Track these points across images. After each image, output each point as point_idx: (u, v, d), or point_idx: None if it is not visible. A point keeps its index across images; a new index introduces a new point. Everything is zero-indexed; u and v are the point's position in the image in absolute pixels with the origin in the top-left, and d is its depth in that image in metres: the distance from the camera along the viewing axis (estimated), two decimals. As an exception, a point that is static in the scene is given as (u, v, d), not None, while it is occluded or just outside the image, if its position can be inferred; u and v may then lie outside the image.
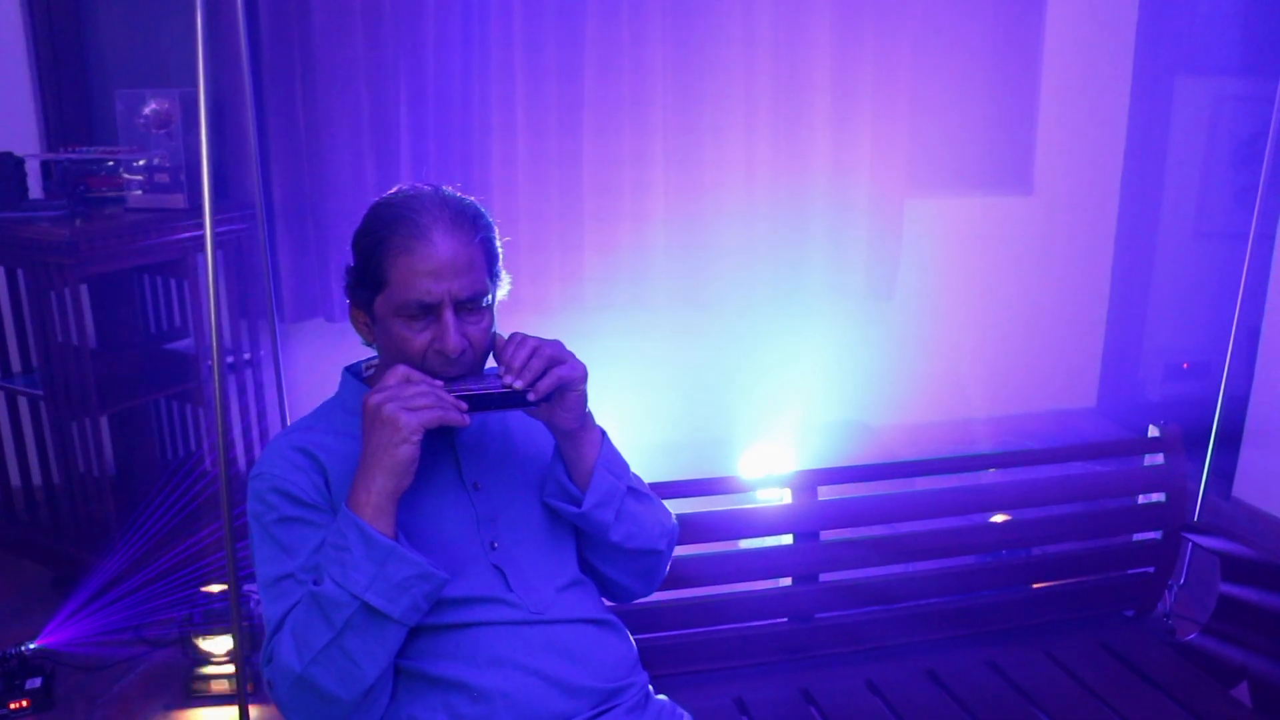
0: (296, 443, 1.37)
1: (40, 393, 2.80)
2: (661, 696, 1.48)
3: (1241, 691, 1.89)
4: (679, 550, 1.67)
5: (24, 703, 2.44)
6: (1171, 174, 4.22)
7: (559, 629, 1.37)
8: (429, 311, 1.31)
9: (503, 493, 1.42)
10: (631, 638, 1.49)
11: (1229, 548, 1.90)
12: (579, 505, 1.38)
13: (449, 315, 1.31)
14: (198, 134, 2.48)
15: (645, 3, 3.40)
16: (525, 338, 1.33)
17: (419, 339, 1.32)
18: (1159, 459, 2.01)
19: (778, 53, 3.54)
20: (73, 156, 2.89)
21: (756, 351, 3.81)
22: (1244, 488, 3.45)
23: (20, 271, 2.85)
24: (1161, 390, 4.37)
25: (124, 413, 3.12)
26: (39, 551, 2.99)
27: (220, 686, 2.52)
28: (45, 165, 3.00)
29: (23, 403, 2.99)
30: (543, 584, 1.39)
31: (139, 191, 2.90)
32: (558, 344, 1.34)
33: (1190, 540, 2.05)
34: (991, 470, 2.19)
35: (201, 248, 2.94)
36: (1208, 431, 3.16)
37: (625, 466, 1.45)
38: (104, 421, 2.89)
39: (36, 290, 2.72)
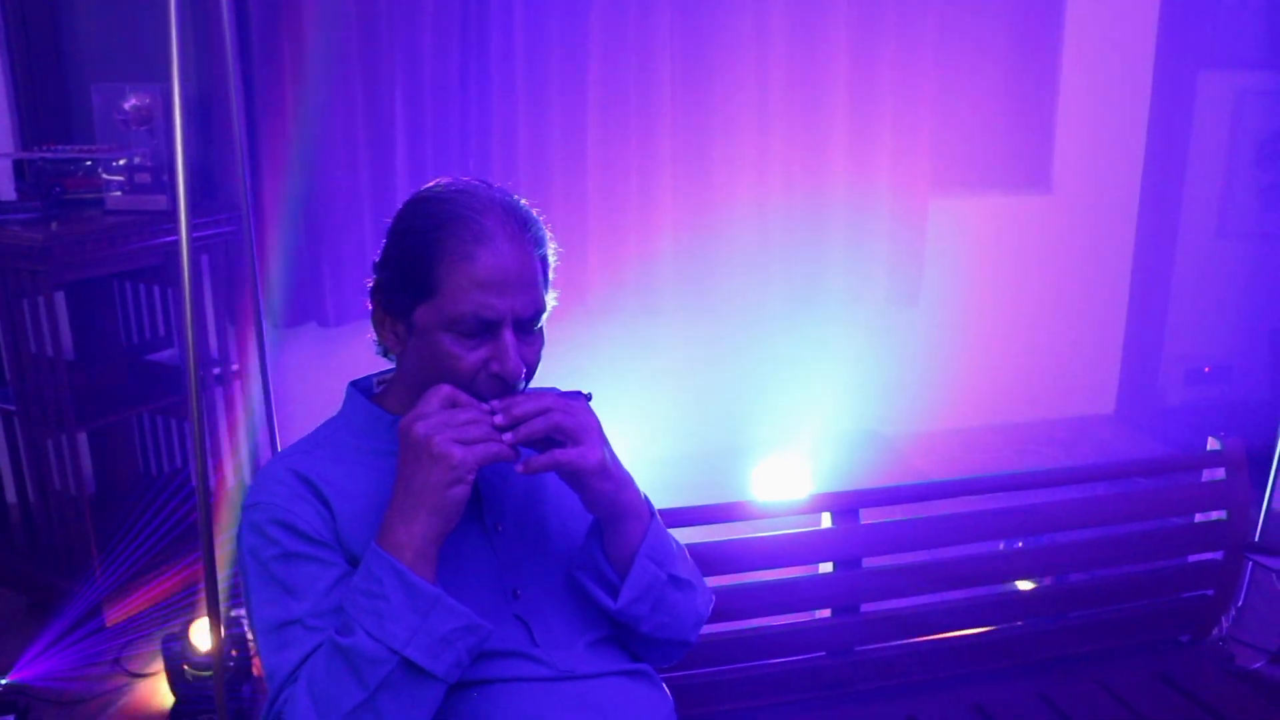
0: (296, 468, 1.20)
1: (13, 407, 2.63)
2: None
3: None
4: (711, 581, 1.51)
5: (-4, 742, 2.29)
6: (1193, 172, 4.09)
7: (589, 684, 1.21)
8: (487, 329, 1.16)
9: (528, 537, 1.26)
10: (665, 686, 1.34)
11: None
12: (614, 598, 1.22)
13: (509, 335, 1.16)
14: (182, 132, 2.32)
15: (653, 18, 3.27)
16: (546, 396, 1.17)
17: (471, 358, 1.16)
18: (1219, 474, 1.87)
19: (793, 52, 3.40)
20: (47, 155, 2.71)
21: (770, 360, 3.67)
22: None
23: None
24: (1182, 395, 4.24)
25: (103, 428, 2.94)
26: (13, 577, 2.82)
27: (207, 722, 2.37)
28: (18, 165, 2.83)
29: (-4, 418, 2.82)
30: (571, 639, 1.23)
31: (118, 193, 2.73)
32: (583, 420, 1.17)
33: (1252, 560, 1.91)
34: (1037, 489, 2.05)
35: (194, 250, 2.78)
36: (1243, 437, 3.05)
37: (672, 552, 1.28)
38: (82, 437, 2.72)
39: (8, 298, 2.54)
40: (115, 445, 3.02)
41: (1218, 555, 1.88)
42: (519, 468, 1.14)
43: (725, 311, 3.57)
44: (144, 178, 2.71)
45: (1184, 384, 4.24)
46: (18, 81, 3.05)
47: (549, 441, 1.15)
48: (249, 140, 3.03)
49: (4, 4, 2.99)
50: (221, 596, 2.08)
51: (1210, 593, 1.90)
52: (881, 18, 3.43)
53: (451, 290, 1.14)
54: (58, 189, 2.71)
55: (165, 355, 3.03)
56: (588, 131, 3.32)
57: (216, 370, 2.90)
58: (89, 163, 2.74)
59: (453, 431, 1.09)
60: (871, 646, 1.76)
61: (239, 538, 1.20)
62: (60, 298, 2.61)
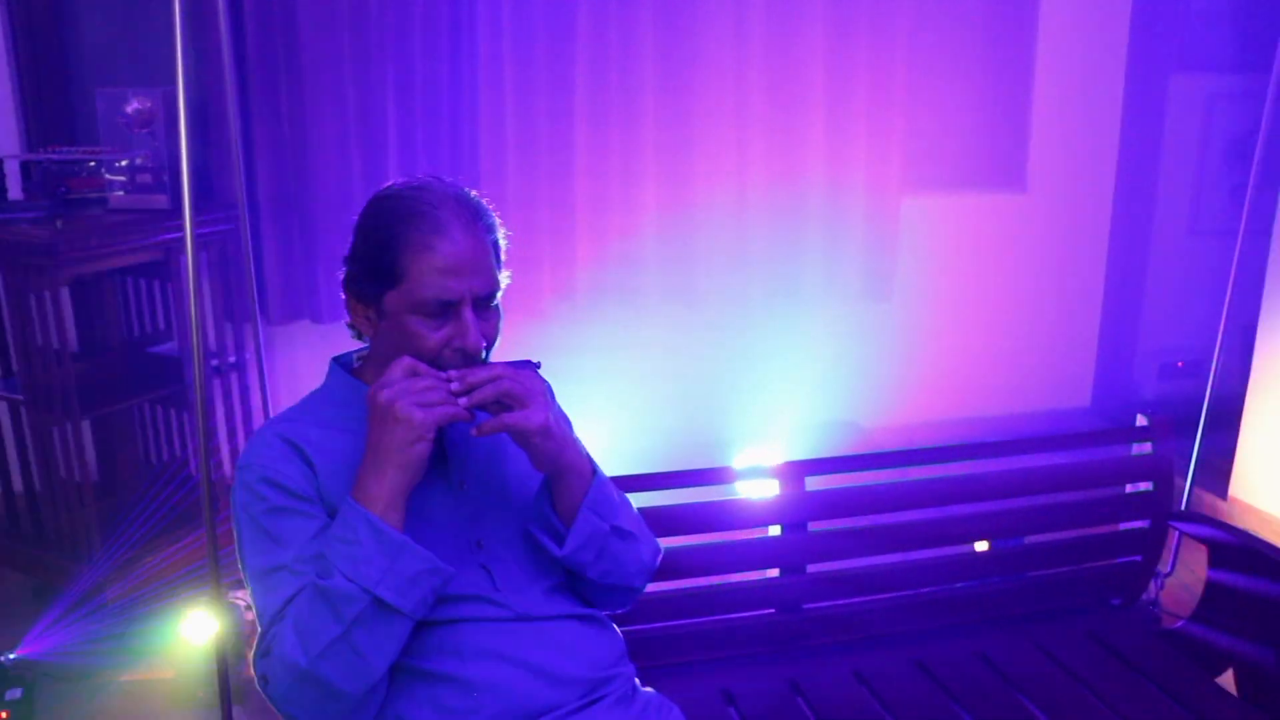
0: (283, 433, 1.33)
1: (20, 397, 2.76)
2: (648, 689, 1.45)
3: (1227, 679, 1.88)
4: (668, 541, 1.64)
5: (3, 715, 2.40)
6: (1165, 171, 4.21)
7: (544, 625, 1.34)
8: (447, 309, 1.29)
9: (490, 493, 1.39)
10: (619, 630, 1.46)
11: (1216, 535, 1.89)
12: (560, 544, 1.35)
13: (469, 313, 1.29)
14: (178, 132, 2.45)
15: (636, 19, 3.39)
16: (499, 369, 1.29)
17: (436, 336, 1.29)
18: (1146, 448, 1.99)
19: (770, 55, 3.52)
20: (53, 157, 2.84)
21: (750, 354, 3.79)
22: (1241, 487, 3.43)
23: (2, 275, 2.81)
24: (1156, 388, 4.35)
25: (106, 417, 3.07)
26: (19, 559, 2.94)
27: (204, 697, 2.48)
28: (25, 166, 2.95)
29: (2, 407, 2.95)
30: (528, 585, 1.36)
31: (121, 192, 2.85)
32: (531, 387, 1.29)
33: (1177, 529, 2.03)
34: (978, 460, 2.16)
35: (185, 250, 2.91)
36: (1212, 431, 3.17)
37: (614, 505, 1.40)
38: (86, 426, 2.84)
39: (16, 293, 2.67)
40: (117, 434, 3.15)
41: (1145, 523, 2.00)
42: (474, 430, 1.26)
43: (705, 306, 3.69)
44: (145, 178, 2.84)
45: (1158, 378, 4.35)
46: (24, 86, 3.18)
47: (500, 406, 1.27)
48: (245, 142, 3.17)
49: (10, 11, 3.13)
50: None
51: (1139, 559, 2.02)
52: (855, 22, 3.55)
53: (415, 277, 1.27)
54: (63, 189, 2.83)
55: (165, 348, 3.15)
56: (574, 133, 3.44)
57: (215, 362, 3.03)
58: (93, 164, 2.87)
59: (413, 397, 1.22)
60: (818, 605, 1.88)
61: (233, 496, 1.33)
62: (65, 292, 2.73)
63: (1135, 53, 4.04)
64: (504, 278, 1.35)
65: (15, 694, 2.42)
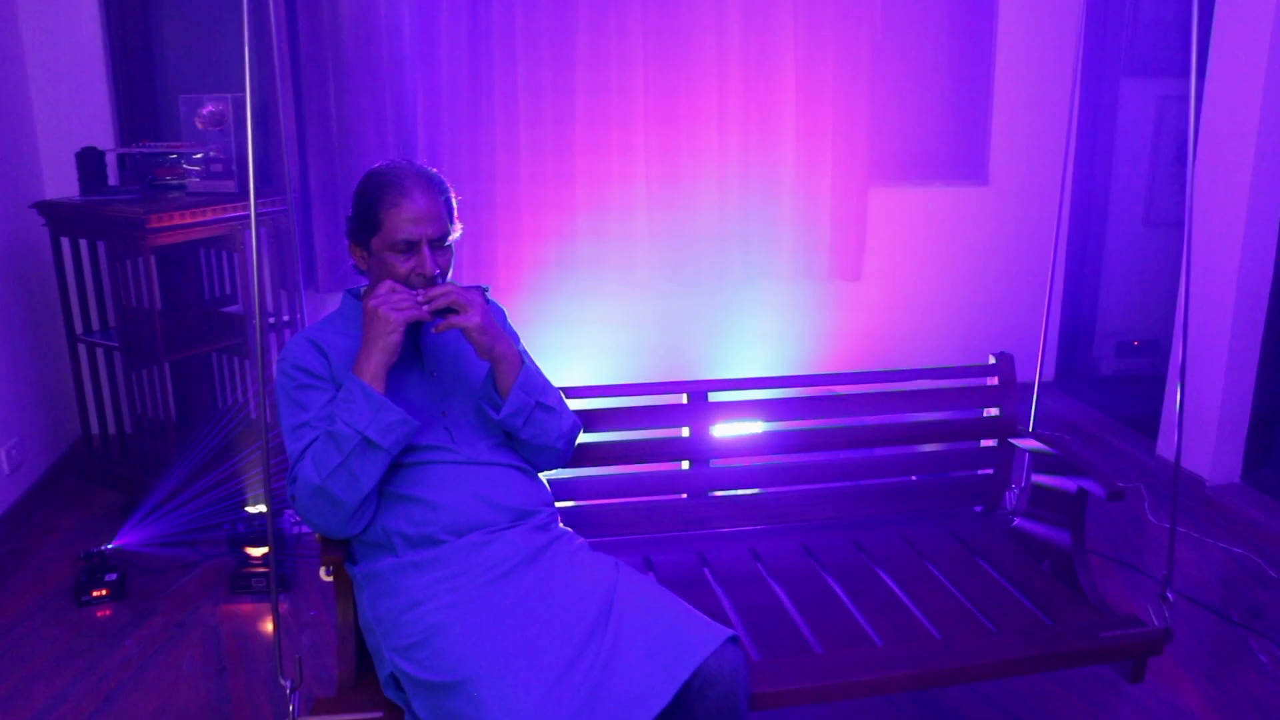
0: (310, 337, 1.90)
1: (116, 345, 3.38)
2: (567, 528, 1.99)
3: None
4: (601, 437, 2.18)
5: (104, 591, 2.99)
6: (1120, 167, 4.62)
7: (488, 468, 1.89)
8: (411, 247, 1.84)
9: (453, 379, 1.95)
10: (547, 484, 2.00)
11: (1036, 446, 2.35)
12: (498, 411, 1.89)
13: (427, 250, 1.84)
14: (245, 131, 3.05)
15: (628, 27, 3.92)
16: (450, 286, 1.83)
17: (404, 265, 1.85)
18: (995, 380, 2.47)
19: (746, 54, 4.03)
20: (143, 150, 3.47)
21: (731, 326, 4.31)
22: (1166, 447, 3.85)
23: (101, 244, 3.44)
24: (1115, 365, 4.76)
25: (184, 364, 3.69)
26: (114, 480, 3.57)
27: (258, 584, 3.06)
28: (120, 158, 3.58)
29: (101, 354, 3.57)
30: (479, 441, 1.91)
31: (196, 179, 3.46)
32: (472, 299, 1.82)
33: (1014, 445, 2.47)
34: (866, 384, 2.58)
35: (249, 225, 3.51)
36: (1158, 402, 3.61)
37: (541, 386, 1.93)
38: (167, 370, 3.46)
39: (114, 260, 3.29)
40: (192, 379, 3.77)
41: (994, 442, 2.48)
42: (433, 329, 1.82)
43: (690, 283, 4.22)
44: (217, 167, 3.45)
45: (1116, 355, 4.76)
46: (119, 92, 3.82)
47: (451, 313, 1.82)
48: (297, 137, 3.78)
49: (109, 32, 3.76)
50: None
51: (991, 471, 2.50)
52: (823, 25, 4.05)
53: (390, 226, 1.83)
54: (151, 176, 3.45)
55: (232, 308, 3.77)
56: (575, 129, 4.00)
57: (271, 320, 3.63)
58: (174, 156, 3.48)
59: (390, 304, 1.78)
60: (721, 493, 2.39)
61: (276, 379, 1.89)
62: (153, 260, 3.32)
63: (1089, 57, 4.48)
64: (456, 228, 1.91)
65: (112, 577, 3.02)
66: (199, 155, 3.47)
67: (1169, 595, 2.06)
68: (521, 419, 1.88)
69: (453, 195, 1.92)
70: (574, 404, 2.17)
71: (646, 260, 4.15)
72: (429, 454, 1.86)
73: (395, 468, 1.83)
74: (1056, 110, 4.48)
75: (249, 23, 2.36)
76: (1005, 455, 2.48)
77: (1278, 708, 2.48)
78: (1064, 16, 4.38)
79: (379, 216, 1.84)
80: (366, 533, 1.83)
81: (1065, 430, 4.36)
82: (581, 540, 1.95)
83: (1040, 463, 2.36)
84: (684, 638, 1.67)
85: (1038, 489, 2.35)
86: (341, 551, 1.86)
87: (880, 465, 2.51)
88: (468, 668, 1.59)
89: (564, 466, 2.06)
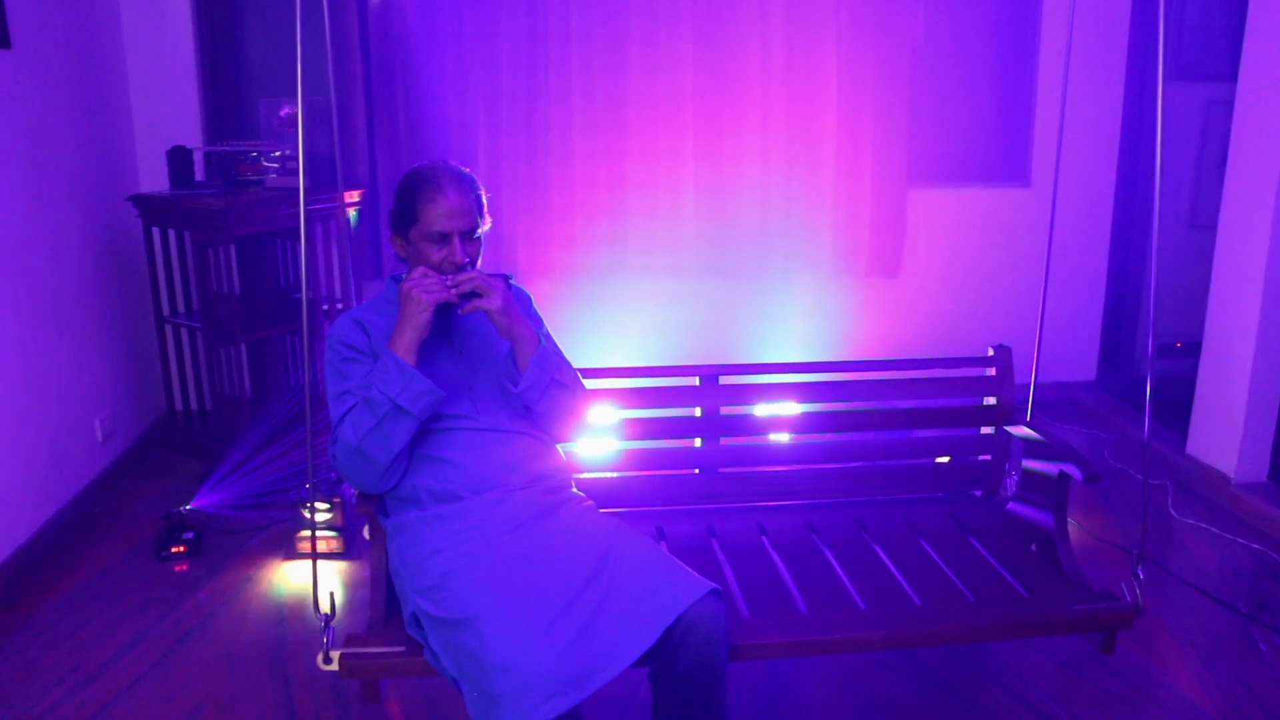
0: (355, 316, 2.16)
1: (198, 325, 3.70)
2: (579, 492, 2.21)
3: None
4: (622, 414, 2.40)
5: (181, 548, 3.31)
6: (1166, 171, 4.66)
7: (506, 435, 2.12)
8: (444, 238, 2.08)
9: (480, 357, 2.18)
10: (562, 454, 2.23)
11: (1025, 434, 2.50)
12: (516, 385, 2.11)
13: (457, 240, 2.08)
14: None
15: (677, 33, 4.13)
16: (476, 272, 2.06)
17: (437, 254, 2.09)
18: (993, 371, 2.62)
19: (791, 58, 4.20)
20: (226, 148, 3.78)
21: (770, 317, 4.49)
22: (1195, 446, 3.93)
23: (187, 234, 3.76)
24: (1156, 366, 4.78)
25: (259, 345, 4.01)
26: (194, 450, 3.91)
27: (321, 545, 3.34)
28: (206, 155, 3.91)
29: (185, 334, 3.91)
30: (500, 411, 2.14)
31: (274, 175, 3.77)
32: (494, 285, 2.04)
33: (1008, 433, 2.62)
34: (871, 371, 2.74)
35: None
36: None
37: (556, 365, 2.14)
38: (244, 351, 3.77)
39: (198, 248, 3.61)
40: (266, 361, 4.09)
41: (991, 430, 2.63)
42: (460, 310, 2.05)
43: (733, 277, 4.42)
44: (291, 165, 3.75)
45: (1158, 356, 4.81)
46: (208, 96, 4.16)
47: (476, 297, 2.05)
48: (368, 136, 4.07)
49: (200, 41, 4.10)
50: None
51: (989, 457, 2.66)
52: (864, 36, 4.20)
53: (425, 219, 2.07)
54: (233, 172, 3.77)
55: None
56: (626, 134, 4.22)
57: (340, 305, 3.92)
58: (254, 154, 3.79)
59: (421, 287, 2.02)
60: (731, 470, 2.59)
61: (325, 353, 2.15)
62: (233, 249, 3.64)
63: (1134, 61, 4.54)
64: (485, 222, 2.14)
65: (189, 535, 3.33)
66: (276, 154, 3.78)
67: (1139, 573, 2.19)
68: (536, 393, 2.10)
69: (483, 193, 2.15)
70: (603, 383, 2.41)
71: (693, 257, 4.36)
72: (455, 421, 2.09)
73: (424, 432, 2.07)
74: (1100, 114, 4.55)
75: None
76: (1002, 442, 2.63)
77: (1267, 689, 2.59)
78: (1110, 20, 4.46)
79: (416, 210, 2.08)
80: (397, 489, 2.08)
81: (1102, 428, 4.45)
82: (591, 503, 2.17)
83: (1034, 451, 2.50)
84: (670, 588, 1.87)
85: (1027, 474, 2.50)
86: (375, 504, 2.11)
87: (886, 448, 2.67)
88: (476, 607, 1.82)
89: (579, 438, 2.28)
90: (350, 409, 2.03)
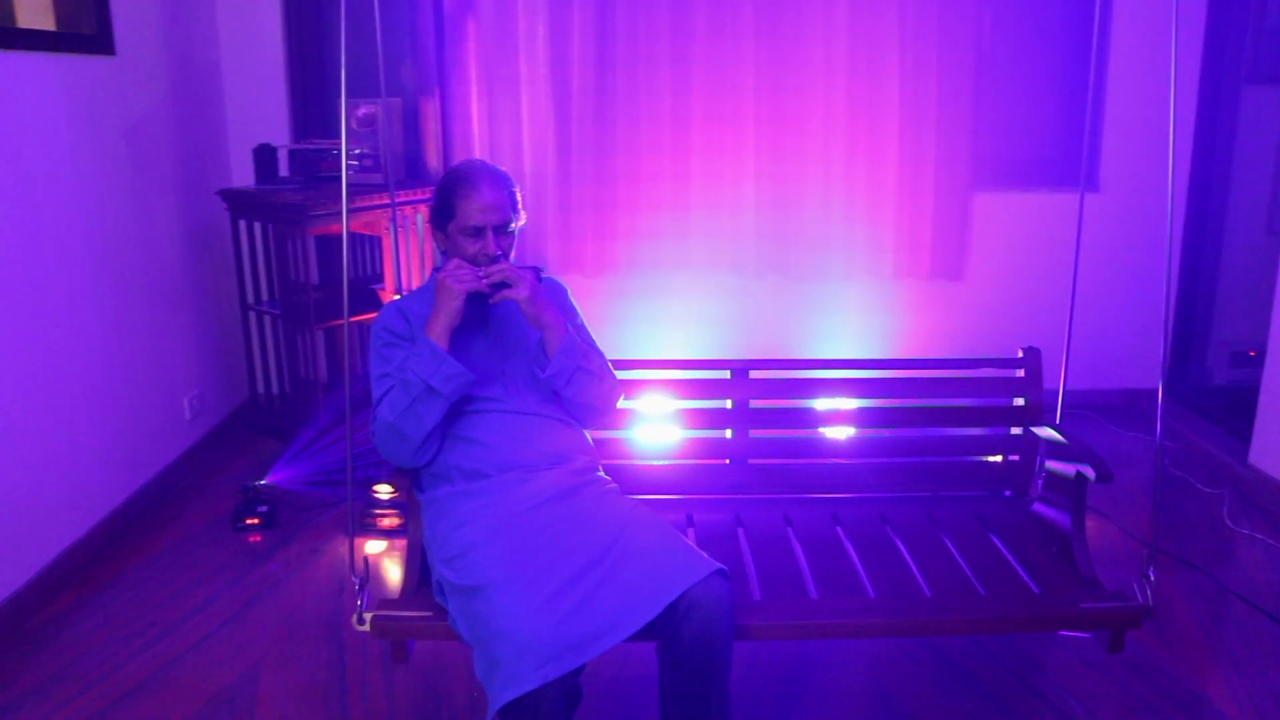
0: (399, 305, 2.33)
1: (278, 312, 3.94)
2: (604, 475, 2.33)
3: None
4: (655, 404, 2.52)
5: (256, 520, 3.54)
6: (1241, 175, 4.58)
7: (534, 418, 2.26)
8: (479, 232, 2.23)
9: (513, 344, 2.33)
10: (590, 438, 2.36)
11: (1049, 436, 2.54)
12: (544, 371, 2.25)
13: (490, 234, 2.23)
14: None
15: (741, 30, 4.23)
16: (506, 264, 2.20)
17: (473, 246, 2.24)
18: (1021, 373, 2.66)
19: (854, 57, 4.25)
20: (308, 147, 4.01)
21: (830, 316, 4.56)
22: (1257, 455, 3.87)
23: (270, 227, 4.00)
24: (1229, 375, 4.72)
25: (334, 333, 4.23)
26: (274, 430, 4.15)
27: (383, 522, 3.54)
28: (291, 152, 4.15)
29: (268, 321, 4.16)
30: (530, 396, 2.28)
31: (352, 172, 3.98)
32: (523, 276, 2.18)
33: (1033, 434, 2.65)
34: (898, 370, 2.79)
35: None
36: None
37: (583, 353, 2.26)
38: (320, 338, 3.99)
39: (279, 240, 3.84)
40: (341, 349, 4.31)
41: (1020, 430, 2.67)
42: (490, 300, 2.20)
43: (794, 276, 4.49)
44: (368, 162, 3.96)
45: (1230, 365, 4.72)
46: (294, 98, 4.40)
47: (506, 288, 2.20)
48: (443, 136, 4.26)
49: (289, 44, 4.34)
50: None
51: (1017, 458, 2.70)
52: (928, 37, 4.23)
53: (462, 214, 2.22)
54: (315, 169, 4.00)
55: (377, 285, 4.28)
56: (691, 129, 4.33)
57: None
58: (335, 152, 4.02)
59: (454, 277, 2.17)
60: (759, 460, 2.68)
61: (371, 338, 2.32)
62: (312, 241, 3.85)
63: (1208, 64, 4.45)
64: (520, 217, 2.28)
65: (263, 509, 3.57)
66: (356, 151, 3.99)
67: (1150, 574, 2.22)
68: (563, 379, 2.24)
69: (518, 190, 2.29)
70: (638, 374, 2.57)
71: (754, 255, 4.45)
72: (486, 404, 2.24)
73: (458, 414, 2.23)
74: (1176, 116, 4.47)
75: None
76: (1031, 443, 2.67)
77: (1295, 701, 2.58)
78: (1183, 22, 4.39)
79: (453, 206, 2.24)
80: (431, 466, 2.23)
81: (1166, 436, 4.40)
82: (615, 486, 2.29)
83: (1056, 451, 2.54)
84: (676, 566, 1.98)
85: (1050, 475, 2.54)
86: (409, 478, 2.27)
87: (914, 445, 2.73)
88: (489, 576, 1.96)
89: (607, 424, 2.40)
90: (388, 390, 2.20)
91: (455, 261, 2.21)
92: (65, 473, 3.18)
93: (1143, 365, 4.78)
